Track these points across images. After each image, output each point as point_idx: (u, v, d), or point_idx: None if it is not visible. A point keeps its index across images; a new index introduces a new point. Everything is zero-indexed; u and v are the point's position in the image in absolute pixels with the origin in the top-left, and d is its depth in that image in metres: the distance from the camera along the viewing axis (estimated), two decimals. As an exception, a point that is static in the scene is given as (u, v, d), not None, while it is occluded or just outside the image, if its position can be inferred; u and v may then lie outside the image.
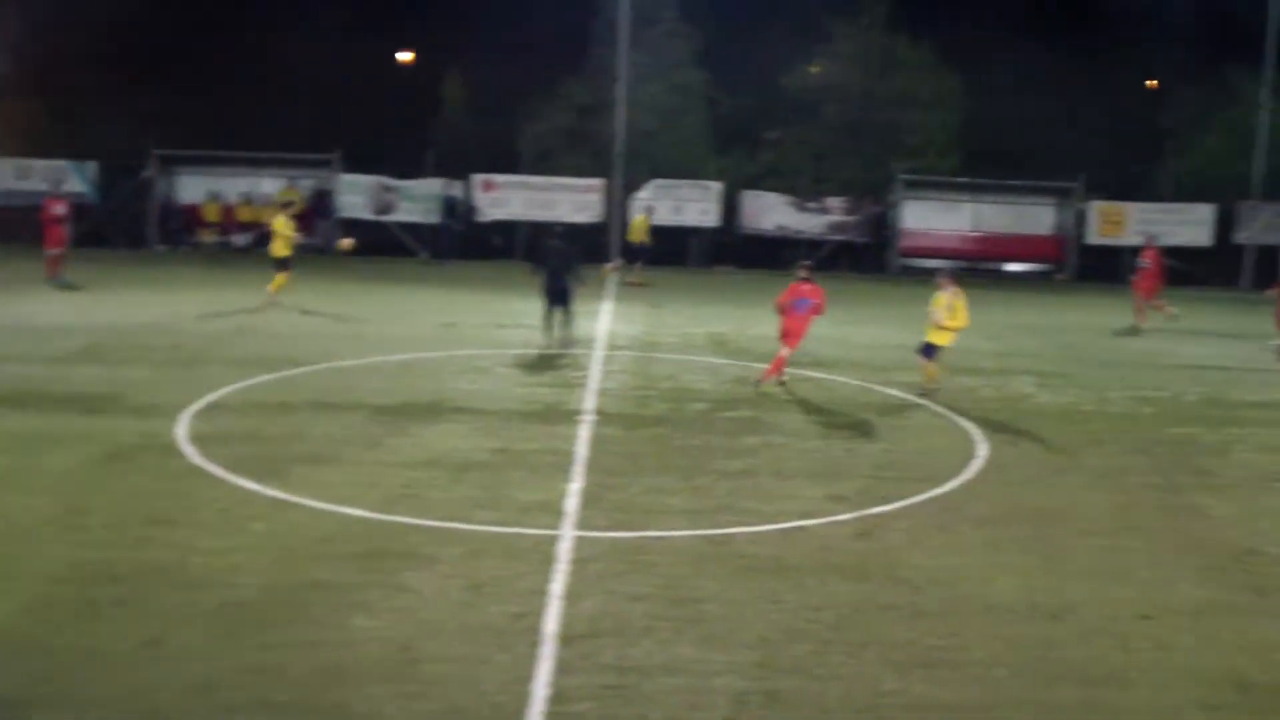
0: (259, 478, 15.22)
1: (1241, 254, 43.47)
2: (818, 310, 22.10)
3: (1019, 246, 44.60)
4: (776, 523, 14.49)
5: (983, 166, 44.70)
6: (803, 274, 22.50)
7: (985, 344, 27.74)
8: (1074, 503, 16.03)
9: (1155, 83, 54.67)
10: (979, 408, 21.22)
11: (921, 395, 21.79)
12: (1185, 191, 44.53)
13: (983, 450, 18.33)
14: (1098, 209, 42.67)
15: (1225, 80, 46.90)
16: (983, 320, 31.09)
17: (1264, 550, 14.59)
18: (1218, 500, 16.50)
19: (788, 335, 22.12)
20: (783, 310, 22.22)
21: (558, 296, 25.70)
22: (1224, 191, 43.76)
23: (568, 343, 25.39)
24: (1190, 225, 42.73)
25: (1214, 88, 47.40)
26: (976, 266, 43.85)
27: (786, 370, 22.32)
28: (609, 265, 39.44)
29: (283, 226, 30.86)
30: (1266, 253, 42.96)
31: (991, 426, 19.78)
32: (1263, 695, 10.82)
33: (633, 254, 39.49)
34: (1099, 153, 46.71)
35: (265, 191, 46.10)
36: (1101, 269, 41.72)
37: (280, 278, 30.57)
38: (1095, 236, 42.74)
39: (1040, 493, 16.36)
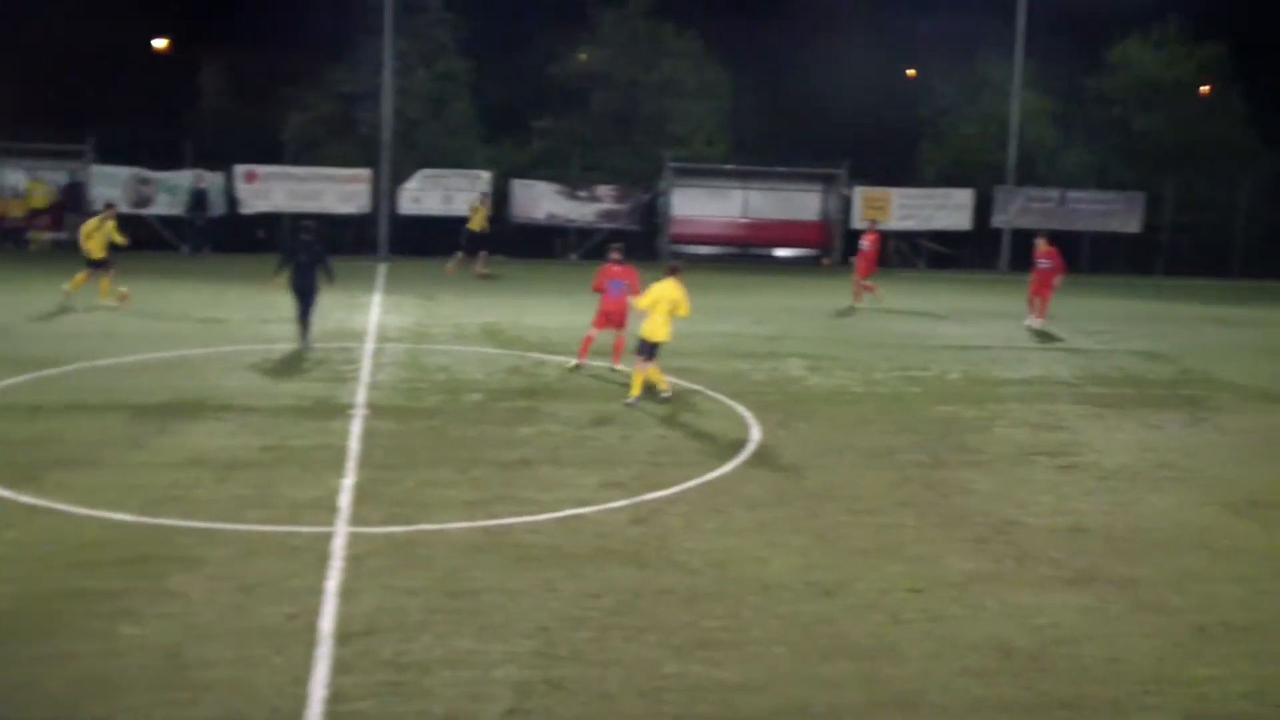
0: (9, 484, 14.49)
1: (999, 237, 45.06)
2: (633, 291, 22.26)
3: (787, 232, 45.44)
4: (553, 511, 14.43)
5: (750, 154, 45.42)
6: (615, 256, 22.89)
7: (756, 328, 28.18)
8: (845, 482, 16.37)
9: (914, 72, 56.34)
10: (751, 391, 21.52)
11: (663, 400, 20.52)
12: (945, 177, 45.96)
13: (755, 433, 18.58)
14: (862, 194, 43.74)
15: (980, 71, 48.59)
16: (753, 305, 31.62)
17: (1024, 521, 15.13)
18: (981, 475, 17.04)
19: (603, 317, 22.66)
20: (600, 293, 22.65)
21: (304, 293, 24.19)
22: (981, 177, 45.33)
23: (308, 341, 24.16)
24: (950, 210, 44.12)
25: (970, 78, 49.06)
26: (746, 252, 44.58)
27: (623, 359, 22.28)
28: (450, 264, 38.76)
29: (93, 229, 29.53)
30: (1022, 236, 44.65)
31: (764, 410, 20.07)
32: (1024, 659, 11.19)
33: (475, 244, 39.04)
34: (862, 140, 47.95)
35: (9, 184, 43.90)
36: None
37: (81, 276, 29.30)
38: (860, 221, 43.85)
39: (813, 473, 16.65)
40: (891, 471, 16.98)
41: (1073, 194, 45.09)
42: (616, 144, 45.29)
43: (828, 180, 44.97)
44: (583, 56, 45.84)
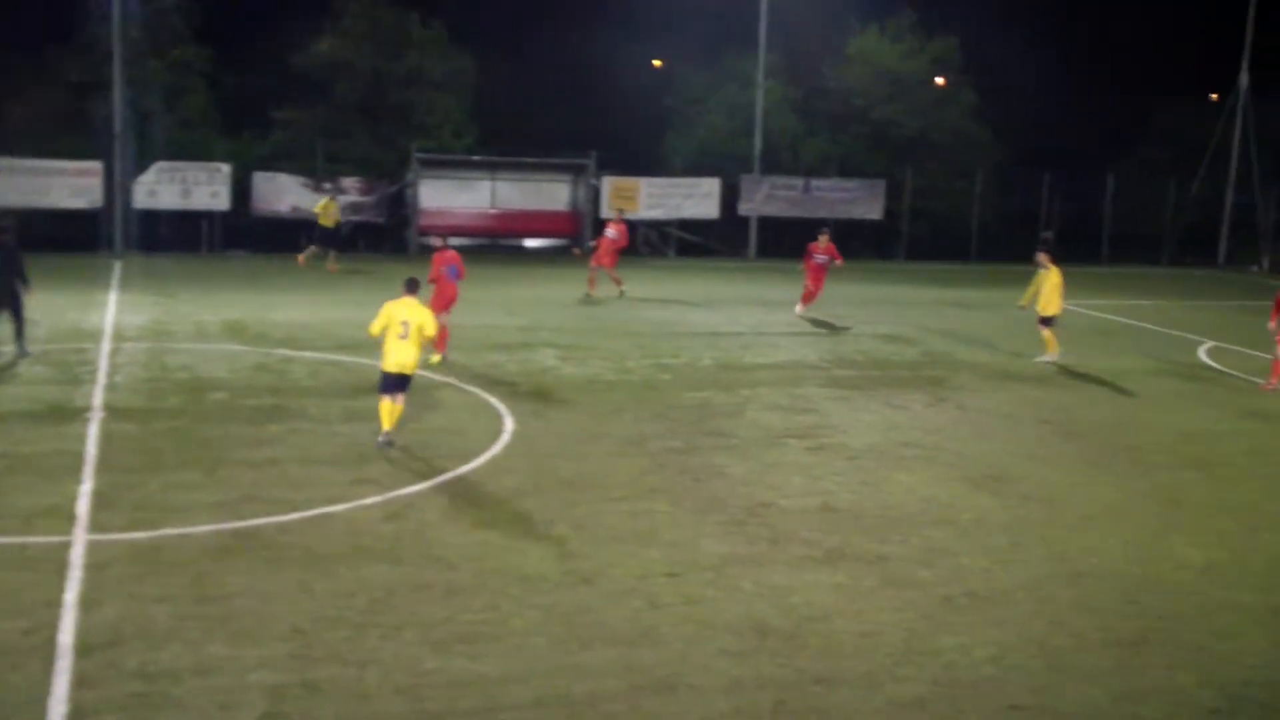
0: None
1: (747, 225, 45.88)
2: (460, 275, 23.26)
3: (537, 222, 45.43)
4: (304, 510, 14.09)
5: (499, 145, 45.20)
6: (439, 243, 23.97)
7: (508, 320, 28.05)
8: (601, 470, 16.41)
9: (660, 63, 56.92)
10: (505, 383, 21.40)
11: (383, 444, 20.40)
12: (692, 166, 46.56)
13: (510, 424, 18.48)
14: (611, 184, 43.99)
15: (726, 62, 49.35)
16: (505, 296, 31.48)
17: (776, 503, 15.41)
18: (733, 459, 17.30)
19: (440, 302, 22.88)
20: (437, 281, 23.13)
21: (7, 300, 22.03)
22: (728, 166, 46.07)
23: (24, 347, 22.20)
24: (698, 199, 44.71)
25: (716, 68, 49.79)
26: (496, 243, 44.36)
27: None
28: (301, 255, 37.39)
29: None
30: (768, 223, 45.54)
31: (518, 400, 19.98)
32: (780, 638, 11.40)
33: (327, 240, 37.87)
34: (610, 130, 48.20)
35: None
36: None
37: None
38: (609, 211, 44.03)
39: (568, 463, 16.65)
40: (645, 458, 17.09)
41: (816, 182, 46.21)
42: (361, 135, 44.50)
43: (576, 170, 45.08)
44: (324, 46, 44.76)
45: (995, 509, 15.68)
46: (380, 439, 16.77)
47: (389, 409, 16.79)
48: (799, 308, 31.13)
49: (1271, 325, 23.51)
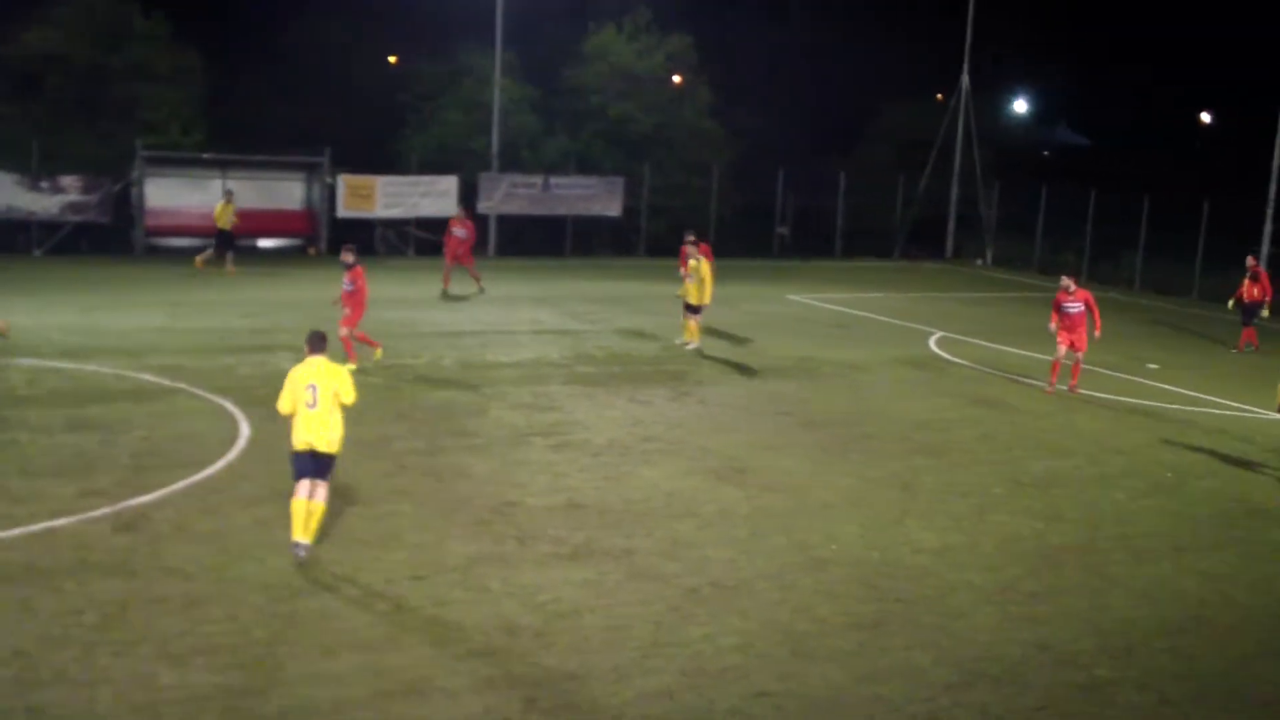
0: None
1: (487, 223, 45.62)
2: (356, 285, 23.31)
3: (271, 221, 44.21)
4: (27, 526, 13.40)
5: (230, 142, 43.85)
6: (350, 259, 23.52)
7: (243, 322, 27.24)
8: (342, 473, 15.99)
9: (396, 59, 56.16)
10: (240, 387, 20.74)
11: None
12: (429, 164, 46.06)
13: (246, 430, 17.96)
14: (346, 182, 43.18)
15: (461, 57, 48.94)
16: (239, 298, 30.60)
17: (522, 501, 15.36)
18: (478, 459, 17.17)
19: (351, 318, 22.95)
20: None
21: None
22: (466, 164, 45.69)
23: None
24: (436, 197, 44.18)
25: (452, 65, 49.32)
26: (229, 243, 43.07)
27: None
28: (199, 257, 35.24)
29: None
30: (508, 221, 45.34)
31: (254, 405, 19.37)
32: (529, 636, 11.37)
33: (225, 242, 36.59)
34: (345, 127, 47.29)
35: None
36: (353, 242, 42.15)
37: None
38: (344, 210, 43.24)
39: (308, 466, 16.24)
40: (388, 461, 16.83)
41: (555, 180, 46.25)
42: (81, 131, 42.52)
43: (310, 169, 44.09)
44: (34, 38, 42.44)
45: (738, 500, 15.94)
46: (295, 548, 12.87)
47: (304, 508, 12.99)
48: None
49: (1051, 326, 24.05)
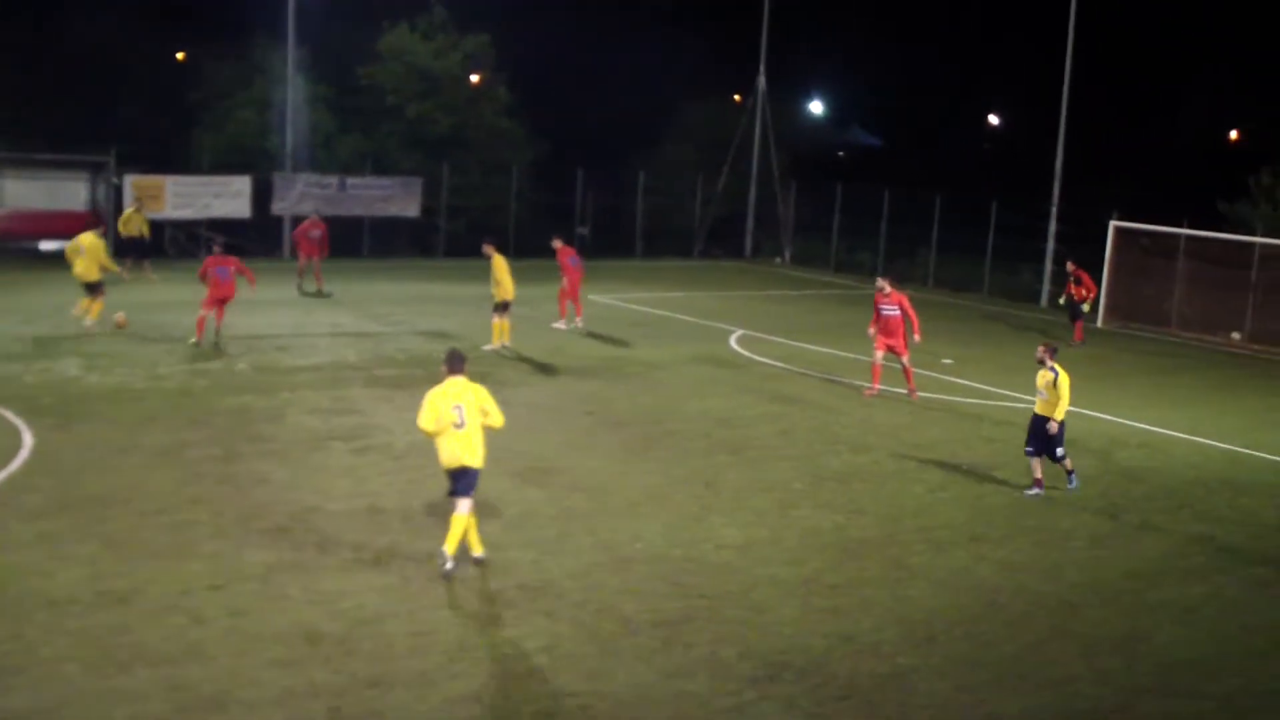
0: None
1: (281, 224, 44.71)
2: (242, 273, 25.70)
3: (53, 223, 42.58)
4: None
5: (6, 139, 42.13)
6: (217, 250, 26.20)
7: (25, 328, 26.14)
8: (134, 483, 15.56)
9: (184, 55, 54.66)
10: (22, 396, 19.89)
11: None
12: (222, 164, 44.95)
13: (29, 439, 17.24)
14: (133, 183, 41.84)
15: (253, 55, 47.89)
16: (21, 303, 29.41)
17: (323, 507, 15.07)
18: (276, 464, 16.79)
19: (215, 302, 25.29)
20: (206, 279, 25.37)
21: None
22: (259, 163, 44.69)
23: None
24: (229, 198, 43.12)
25: (244, 62, 48.24)
26: (6, 246, 41.37)
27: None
28: (122, 269, 33.12)
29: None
30: (302, 222, 44.44)
31: (37, 414, 18.63)
32: (331, 644, 11.15)
33: (139, 250, 35.67)
34: (132, 125, 45.86)
35: None
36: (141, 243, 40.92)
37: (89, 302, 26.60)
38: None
39: (97, 477, 15.70)
40: (182, 469, 16.34)
41: (352, 180, 45.55)
42: None
43: (95, 168, 42.63)
44: None
45: (542, 501, 15.89)
46: (448, 564, 13.08)
47: (463, 523, 13.23)
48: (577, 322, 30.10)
49: (870, 330, 24.11)
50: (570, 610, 12.34)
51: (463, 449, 13.27)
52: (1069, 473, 17.95)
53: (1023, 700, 11.19)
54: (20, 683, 10.04)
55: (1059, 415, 17.38)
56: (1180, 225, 36.26)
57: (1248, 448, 21.58)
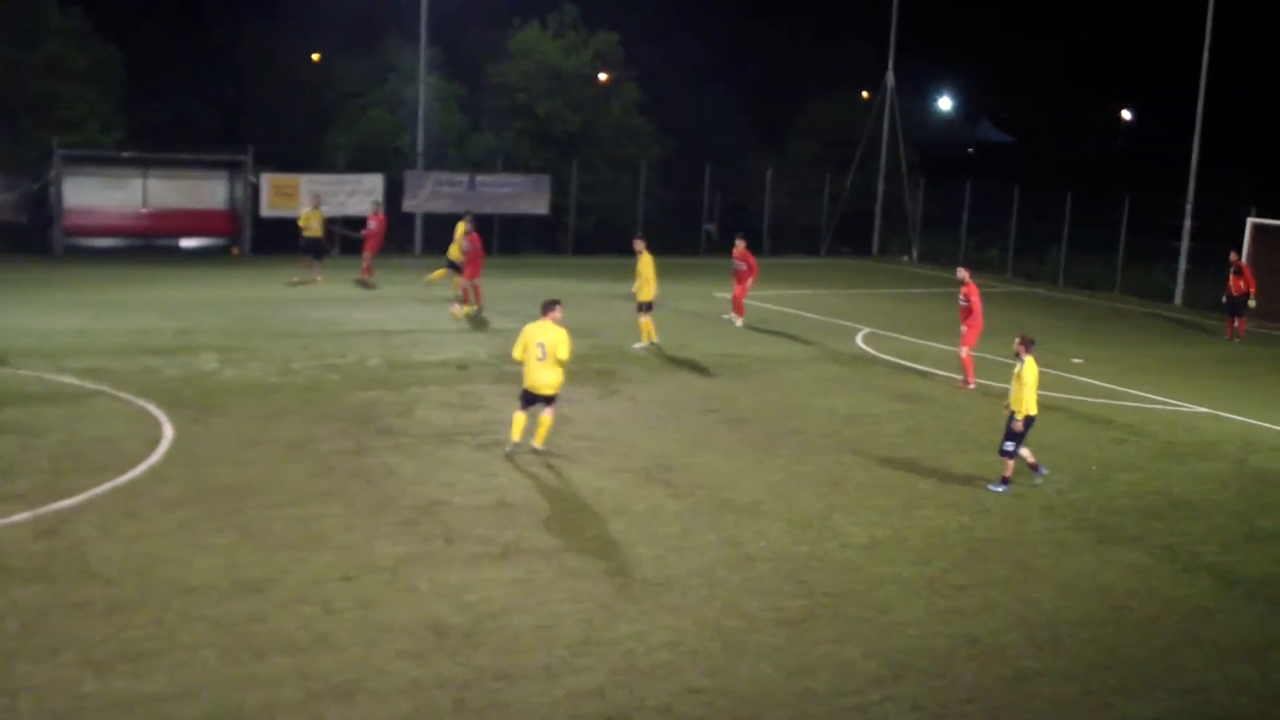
0: None
1: (413, 221, 45.37)
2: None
3: (193, 221, 43.72)
4: (-55, 530, 13.14)
5: (151, 140, 43.27)
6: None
7: (165, 323, 26.88)
8: (268, 475, 15.91)
9: (319, 56, 55.69)
10: (162, 389, 20.46)
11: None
12: (354, 163, 45.73)
13: (169, 432, 17.72)
14: (269, 181, 42.78)
15: (385, 54, 48.69)
16: (161, 298, 30.21)
17: (450, 501, 15.27)
18: (405, 458, 17.05)
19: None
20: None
21: None
22: (391, 162, 45.40)
23: None
24: (361, 196, 43.82)
25: (376, 62, 49.05)
26: (150, 243, 42.54)
27: None
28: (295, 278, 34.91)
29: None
30: (434, 220, 45.07)
31: (176, 407, 19.15)
32: (458, 636, 11.31)
33: (317, 249, 35.94)
34: (269, 125, 46.86)
35: None
36: (277, 241, 41.86)
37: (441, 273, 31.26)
38: (268, 209, 42.83)
39: (232, 469, 16.09)
40: (314, 461, 16.67)
41: (481, 178, 46.07)
42: (-4, 130, 41.82)
43: (233, 167, 43.66)
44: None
45: (666, 498, 15.94)
46: (508, 448, 17.44)
47: (522, 419, 17.42)
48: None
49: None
50: (694, 606, 12.38)
51: (538, 377, 17.17)
52: (1032, 467, 17.46)
53: (1152, 706, 11.00)
54: (159, 666, 10.33)
55: (1021, 410, 16.77)
56: (1320, 222, 35.37)
57: (1391, 452, 20.96)
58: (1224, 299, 33.08)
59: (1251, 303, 32.34)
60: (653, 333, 26.75)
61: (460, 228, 31.72)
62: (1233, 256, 32.33)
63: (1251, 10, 54.06)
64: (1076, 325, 34.10)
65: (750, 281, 30.49)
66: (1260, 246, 36.15)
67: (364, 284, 34.54)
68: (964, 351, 24.06)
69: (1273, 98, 63.43)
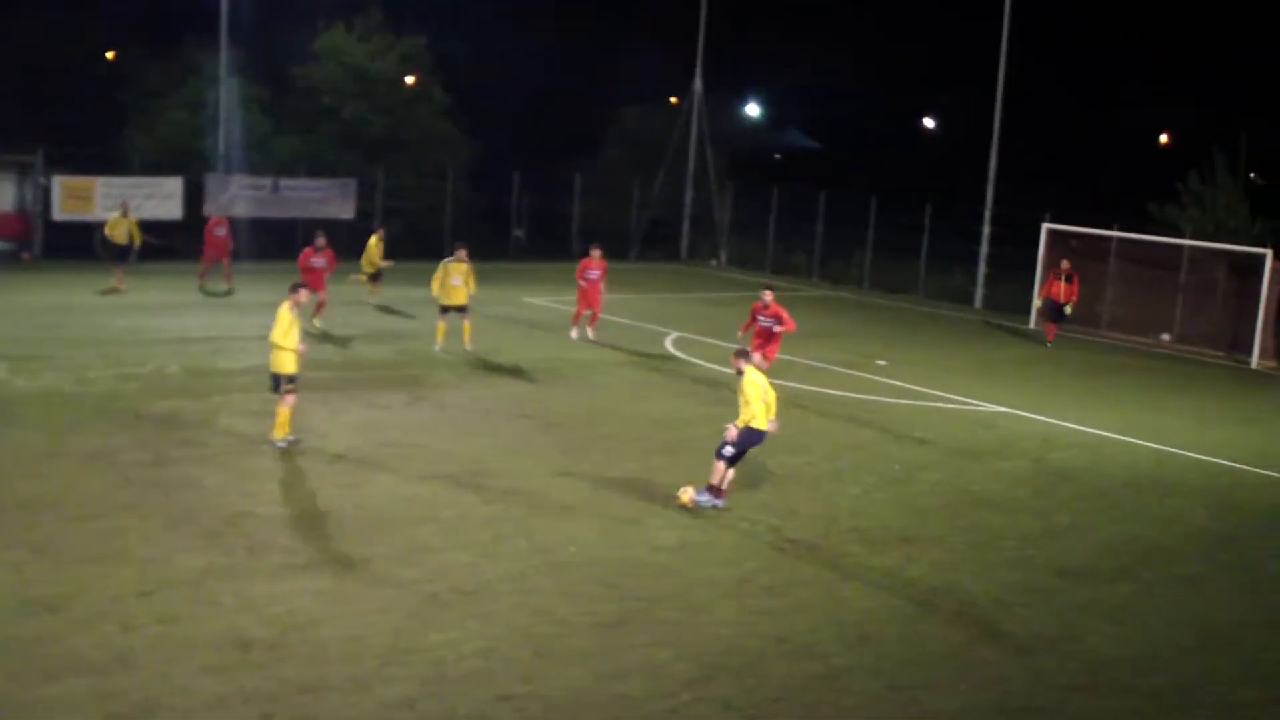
0: None
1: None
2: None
3: (-20, 222, 42.10)
4: None
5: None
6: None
7: (-48, 330, 25.73)
8: (62, 488, 15.36)
9: (114, 55, 54.08)
10: (-50, 398, 19.60)
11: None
12: (153, 165, 44.46)
13: (-41, 444, 16.98)
14: (62, 184, 41.33)
15: (185, 54, 47.44)
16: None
17: (255, 511, 14.92)
18: (208, 469, 16.62)
19: None
20: None
21: None
22: (192, 165, 44.23)
23: None
24: (161, 199, 42.69)
25: (175, 61, 47.76)
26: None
27: None
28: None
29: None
30: (238, 224, 43.97)
31: (-34, 417, 18.36)
32: (263, 650, 11.06)
33: (123, 255, 34.16)
34: (61, 125, 45.29)
35: None
36: (71, 245, 40.41)
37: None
38: (61, 212, 41.34)
39: (26, 483, 15.48)
40: (113, 473, 16.15)
41: (286, 182, 45.20)
42: None
43: (22, 168, 42.04)
44: None
45: (477, 504, 15.82)
46: None
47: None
48: (591, 332, 29.25)
49: (741, 334, 24.01)
50: (506, 613, 12.30)
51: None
52: (715, 489, 16.25)
53: (957, 699, 11.26)
54: (-56, 692, 9.89)
55: (740, 421, 16.05)
56: (1111, 228, 36.67)
57: (1177, 448, 21.87)
58: (1042, 302, 33.51)
59: (1069, 310, 32.79)
60: (443, 337, 26.70)
61: (374, 240, 32.77)
62: (1065, 264, 32.81)
63: (1048, 24, 56.06)
64: (882, 328, 34.85)
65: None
66: (1054, 251, 37.40)
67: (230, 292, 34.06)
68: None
69: (1068, 105, 65.87)
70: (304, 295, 18.15)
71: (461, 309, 26.40)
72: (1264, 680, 12.32)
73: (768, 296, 23.36)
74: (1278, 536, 17.37)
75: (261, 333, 27.46)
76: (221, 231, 35.42)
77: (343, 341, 27.00)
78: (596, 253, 29.43)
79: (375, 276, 32.65)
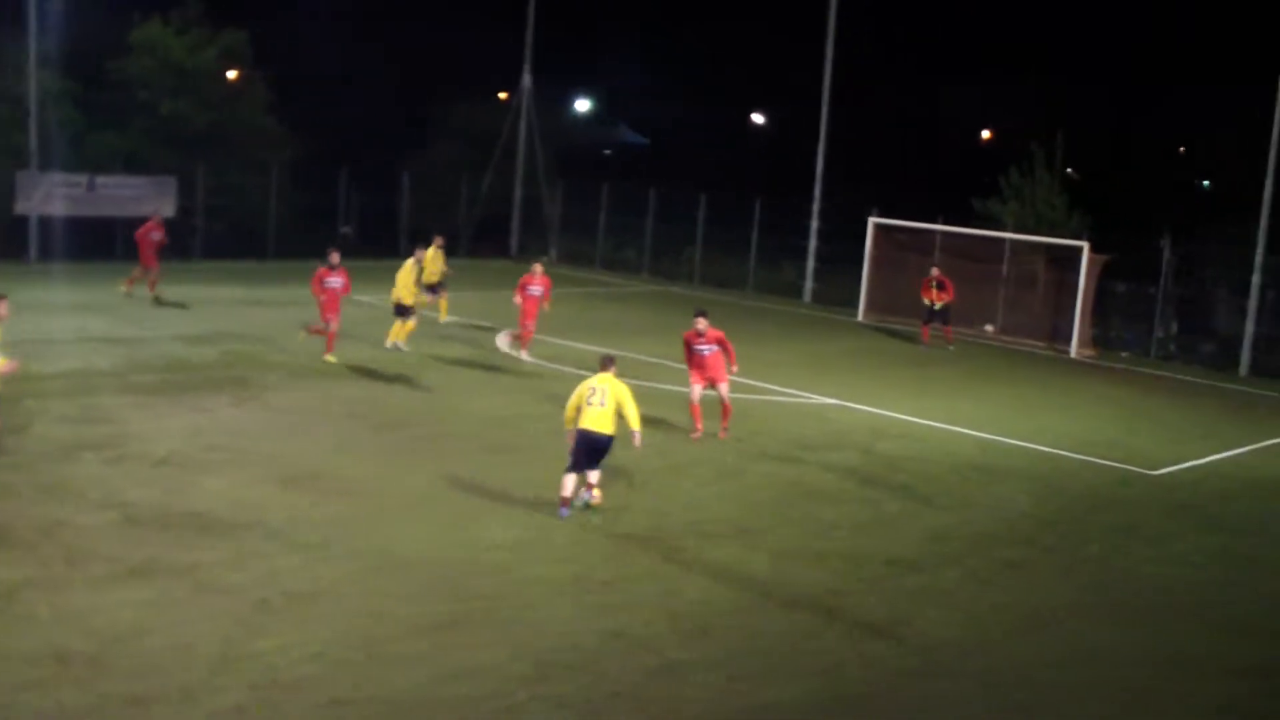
0: None
1: (26, 224, 42.83)
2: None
3: None
4: None
5: None
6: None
7: None
8: None
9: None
10: None
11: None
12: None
13: None
14: None
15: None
16: None
17: (73, 520, 14.41)
18: (21, 477, 15.99)
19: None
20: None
21: None
22: (2, 162, 42.65)
23: None
24: (-34, 198, 41.19)
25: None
26: None
27: None
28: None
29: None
30: (50, 223, 42.63)
31: None
32: (83, 663, 10.72)
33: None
34: None
35: None
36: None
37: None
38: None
39: None
40: (-86, 484, 15.44)
41: (102, 179, 43.87)
42: None
43: None
44: None
45: (308, 507, 15.50)
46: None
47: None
48: (524, 352, 27.52)
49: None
50: (339, 616, 12.05)
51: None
52: (564, 502, 15.89)
53: (794, 688, 11.35)
54: None
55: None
56: (936, 222, 37.44)
57: (1000, 435, 22.43)
58: (935, 306, 33.17)
59: (937, 306, 32.84)
60: (401, 335, 26.97)
61: (430, 252, 30.96)
62: (935, 271, 33.00)
63: (874, 20, 57.02)
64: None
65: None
66: (880, 245, 38.09)
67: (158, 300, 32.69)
68: (721, 389, 21.03)
69: (893, 106, 67.11)
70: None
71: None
72: (1088, 660, 12.65)
73: (701, 324, 21.29)
74: (1096, 519, 17.89)
75: (76, 336, 26.77)
76: (157, 235, 34.32)
77: (164, 343, 26.25)
78: (539, 268, 28.09)
79: (434, 288, 30.87)
